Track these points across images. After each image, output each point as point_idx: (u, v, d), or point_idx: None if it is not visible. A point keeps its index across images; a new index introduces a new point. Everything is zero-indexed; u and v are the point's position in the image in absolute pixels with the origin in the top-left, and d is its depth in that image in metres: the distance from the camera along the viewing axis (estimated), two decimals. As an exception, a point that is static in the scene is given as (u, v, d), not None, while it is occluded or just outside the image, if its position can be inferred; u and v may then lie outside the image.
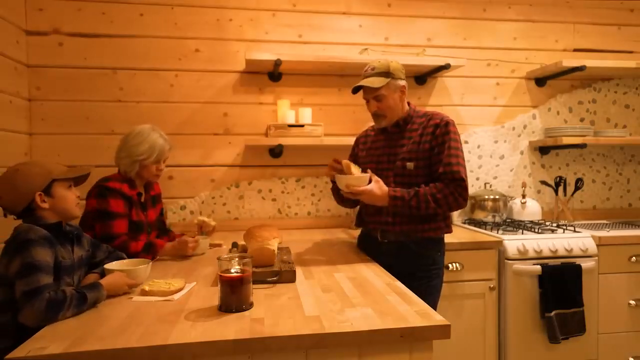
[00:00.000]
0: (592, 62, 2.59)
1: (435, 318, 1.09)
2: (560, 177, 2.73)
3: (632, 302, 2.25)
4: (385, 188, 1.63)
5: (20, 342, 0.98)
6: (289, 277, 1.42)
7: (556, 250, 2.16)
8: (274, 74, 2.56)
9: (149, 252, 1.75)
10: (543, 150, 2.82)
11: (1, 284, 1.20)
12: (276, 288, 1.35)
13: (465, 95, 2.77)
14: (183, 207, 2.52)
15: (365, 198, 1.62)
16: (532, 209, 2.63)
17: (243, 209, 2.58)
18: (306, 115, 2.46)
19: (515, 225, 2.45)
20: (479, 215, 2.58)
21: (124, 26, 2.42)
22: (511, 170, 2.82)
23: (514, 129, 2.82)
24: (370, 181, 1.61)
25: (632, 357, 2.25)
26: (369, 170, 1.66)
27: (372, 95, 1.72)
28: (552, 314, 2.08)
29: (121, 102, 2.44)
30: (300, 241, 2.14)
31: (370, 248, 1.85)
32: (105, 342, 0.97)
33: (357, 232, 2.14)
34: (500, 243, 2.16)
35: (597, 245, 2.21)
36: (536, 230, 2.32)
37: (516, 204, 2.65)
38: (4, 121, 2.10)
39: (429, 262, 1.73)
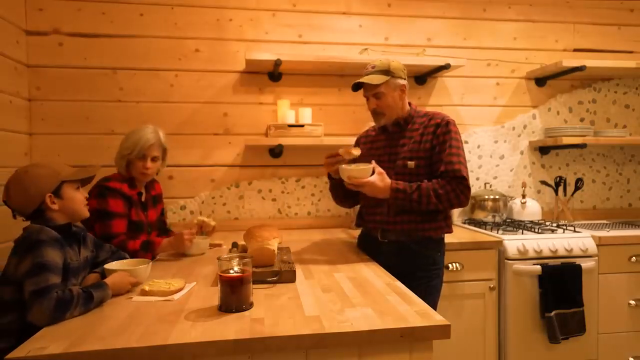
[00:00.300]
0: (592, 62, 2.59)
1: (435, 318, 1.08)
2: (560, 177, 2.73)
3: (632, 302, 2.25)
4: (388, 180, 1.63)
5: (22, 342, 0.98)
6: (289, 277, 1.42)
7: (556, 250, 2.16)
8: (274, 74, 2.56)
9: (147, 250, 1.75)
10: (543, 150, 2.82)
11: (8, 283, 1.20)
12: (276, 288, 1.35)
13: (465, 95, 2.77)
14: (183, 207, 2.52)
15: (368, 190, 1.62)
16: (532, 209, 2.63)
17: (243, 209, 2.58)
18: (306, 115, 2.46)
19: (515, 225, 2.45)
20: (479, 215, 2.58)
21: (124, 26, 2.42)
22: (511, 170, 2.82)
23: (514, 129, 2.82)
24: (373, 172, 1.61)
25: (632, 357, 2.25)
26: (372, 162, 1.65)
27: (371, 92, 1.73)
28: (552, 314, 2.08)
29: (121, 102, 2.44)
30: (300, 241, 2.14)
31: (370, 248, 1.85)
32: (105, 342, 0.97)
33: (357, 232, 2.14)
34: (500, 243, 2.16)
35: (597, 245, 2.21)
36: (536, 230, 2.32)
37: (516, 204, 2.65)
38: (4, 121, 2.10)
39: (429, 262, 1.73)
